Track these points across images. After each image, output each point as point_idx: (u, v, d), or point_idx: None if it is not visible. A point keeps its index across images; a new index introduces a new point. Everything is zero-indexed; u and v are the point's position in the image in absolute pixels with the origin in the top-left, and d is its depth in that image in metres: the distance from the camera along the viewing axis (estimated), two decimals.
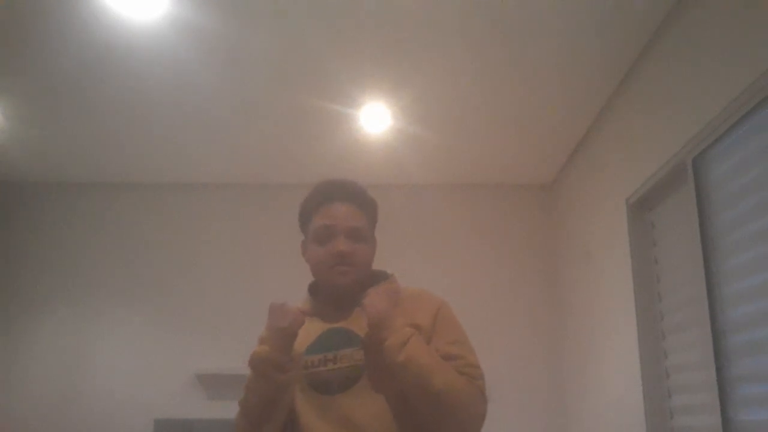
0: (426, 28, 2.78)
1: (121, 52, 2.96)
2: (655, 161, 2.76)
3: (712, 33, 2.31)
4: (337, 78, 3.18)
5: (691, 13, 2.46)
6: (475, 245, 4.42)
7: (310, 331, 1.51)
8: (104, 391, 4.16)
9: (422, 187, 4.48)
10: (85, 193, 4.51)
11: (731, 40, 2.18)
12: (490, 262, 4.38)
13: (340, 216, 1.51)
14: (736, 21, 2.16)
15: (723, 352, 2.25)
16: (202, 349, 4.22)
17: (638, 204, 3.02)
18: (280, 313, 1.45)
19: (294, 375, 1.45)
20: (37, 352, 4.23)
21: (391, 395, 1.40)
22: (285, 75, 3.17)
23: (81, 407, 4.13)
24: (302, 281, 1.64)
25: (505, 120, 3.60)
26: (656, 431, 2.79)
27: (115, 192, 4.50)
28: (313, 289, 1.61)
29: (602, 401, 3.43)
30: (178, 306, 4.31)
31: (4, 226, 4.45)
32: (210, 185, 4.51)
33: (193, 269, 4.38)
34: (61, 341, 4.25)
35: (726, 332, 2.25)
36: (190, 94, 3.34)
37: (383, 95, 3.34)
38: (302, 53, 2.98)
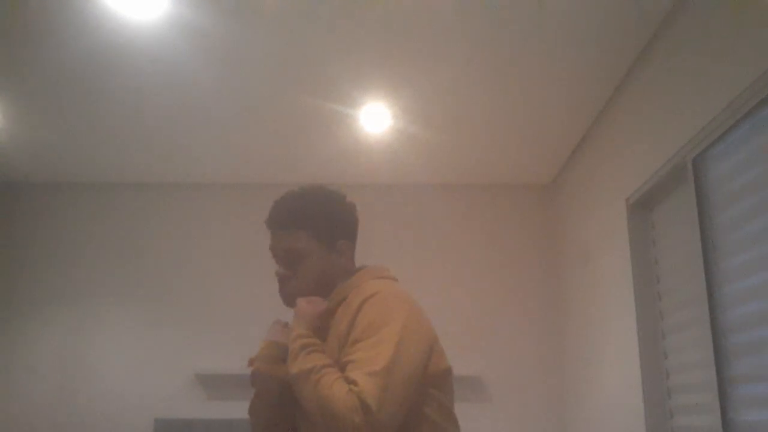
0: (426, 28, 2.78)
1: (121, 52, 2.96)
2: (655, 161, 2.76)
3: (712, 33, 2.31)
4: (337, 78, 3.18)
5: (691, 13, 2.46)
6: (474, 245, 4.42)
7: None
8: (104, 391, 4.16)
9: (422, 187, 4.49)
10: (85, 193, 4.51)
11: (731, 40, 2.18)
12: (490, 262, 4.38)
13: (273, 244, 1.54)
14: (736, 21, 2.16)
15: (723, 352, 2.25)
16: (202, 349, 4.22)
17: (638, 204, 3.02)
18: (279, 329, 1.52)
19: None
20: (37, 352, 4.23)
21: None
22: (285, 75, 3.17)
23: (81, 407, 4.13)
24: None
25: (505, 120, 3.60)
26: (656, 431, 2.79)
27: (115, 192, 4.51)
28: None
29: (602, 401, 3.43)
30: (178, 306, 4.31)
31: (4, 226, 4.45)
32: (210, 185, 4.52)
33: (193, 269, 4.38)
34: (61, 341, 4.25)
35: (726, 332, 2.25)
36: (190, 94, 3.34)
37: (383, 95, 3.34)
38: (302, 53, 2.98)
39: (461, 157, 4.10)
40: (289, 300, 1.51)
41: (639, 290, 2.96)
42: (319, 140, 3.84)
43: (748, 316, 2.12)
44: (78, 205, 4.50)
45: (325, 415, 1.22)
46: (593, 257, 3.58)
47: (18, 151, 4.03)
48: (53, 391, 4.16)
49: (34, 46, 2.91)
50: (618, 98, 3.23)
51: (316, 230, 1.51)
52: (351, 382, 1.22)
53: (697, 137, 2.39)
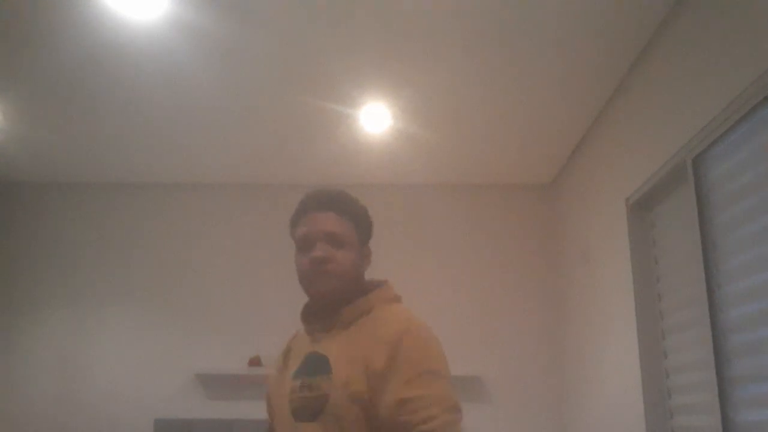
0: (426, 28, 2.78)
1: (122, 53, 2.96)
2: (655, 161, 2.76)
3: (712, 33, 2.31)
4: (337, 78, 3.18)
5: (691, 13, 2.46)
6: (474, 245, 4.42)
7: (301, 351, 1.50)
8: (104, 391, 4.16)
9: (422, 187, 4.49)
10: (85, 193, 4.51)
11: (731, 40, 2.18)
12: (490, 262, 4.38)
13: (318, 222, 1.48)
14: (735, 21, 2.16)
15: (723, 352, 2.25)
16: (202, 349, 4.22)
17: (638, 204, 3.02)
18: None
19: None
20: (37, 352, 4.23)
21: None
22: (285, 75, 3.17)
23: (81, 407, 4.13)
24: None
25: (505, 120, 3.60)
26: (656, 431, 2.79)
27: (115, 192, 4.51)
28: (306, 304, 1.57)
29: (602, 401, 3.43)
30: (178, 306, 4.31)
31: (4, 226, 4.45)
32: (210, 185, 4.52)
33: (193, 269, 4.38)
34: (61, 341, 4.26)
35: (726, 332, 2.25)
36: (190, 94, 3.34)
37: (383, 95, 3.34)
38: (302, 53, 2.98)
39: (461, 157, 4.10)
40: (324, 284, 1.45)
41: (639, 290, 2.96)
42: (319, 140, 3.84)
43: (748, 316, 2.12)
44: (78, 205, 4.50)
45: None
46: (593, 257, 3.58)
47: (18, 151, 4.03)
48: (53, 391, 4.17)
49: (33, 46, 2.91)
50: (618, 98, 3.23)
51: (358, 226, 1.51)
52: (429, 418, 1.27)
53: (697, 137, 2.39)
